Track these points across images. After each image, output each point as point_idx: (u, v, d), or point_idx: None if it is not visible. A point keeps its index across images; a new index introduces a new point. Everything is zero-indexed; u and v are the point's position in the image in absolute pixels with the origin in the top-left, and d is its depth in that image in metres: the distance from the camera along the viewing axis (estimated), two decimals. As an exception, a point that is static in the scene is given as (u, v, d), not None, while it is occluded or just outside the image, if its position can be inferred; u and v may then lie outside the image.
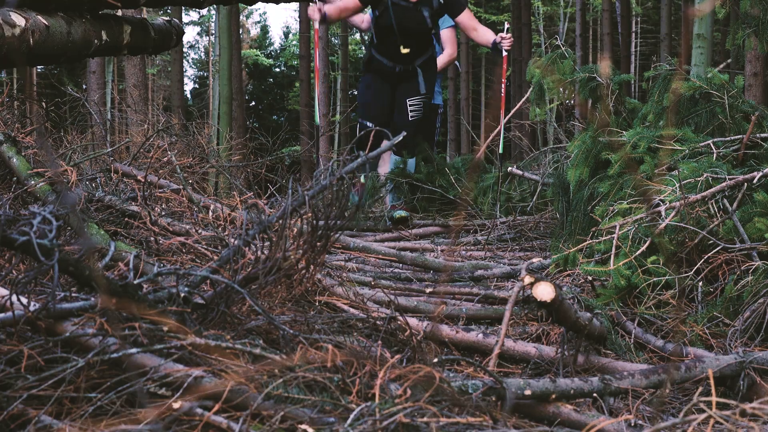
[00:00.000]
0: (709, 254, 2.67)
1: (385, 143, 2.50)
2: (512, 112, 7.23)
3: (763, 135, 3.44)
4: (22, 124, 4.68)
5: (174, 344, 1.46)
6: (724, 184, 2.84)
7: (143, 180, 3.22)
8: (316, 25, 5.02)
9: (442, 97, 6.25)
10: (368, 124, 5.10)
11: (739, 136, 3.46)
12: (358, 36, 26.46)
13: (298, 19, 18.31)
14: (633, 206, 2.99)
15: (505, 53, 5.08)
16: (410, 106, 5.00)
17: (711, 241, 2.71)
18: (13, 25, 2.84)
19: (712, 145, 3.38)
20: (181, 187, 3.48)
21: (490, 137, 6.57)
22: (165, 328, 1.51)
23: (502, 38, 4.96)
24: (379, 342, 1.73)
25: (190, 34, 41.40)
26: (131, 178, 3.64)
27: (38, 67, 18.11)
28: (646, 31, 30.76)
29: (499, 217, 5.09)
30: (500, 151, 5.25)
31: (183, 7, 17.00)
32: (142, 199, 3.04)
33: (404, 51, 4.88)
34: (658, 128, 3.67)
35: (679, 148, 3.38)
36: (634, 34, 28.72)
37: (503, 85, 5.36)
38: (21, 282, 1.52)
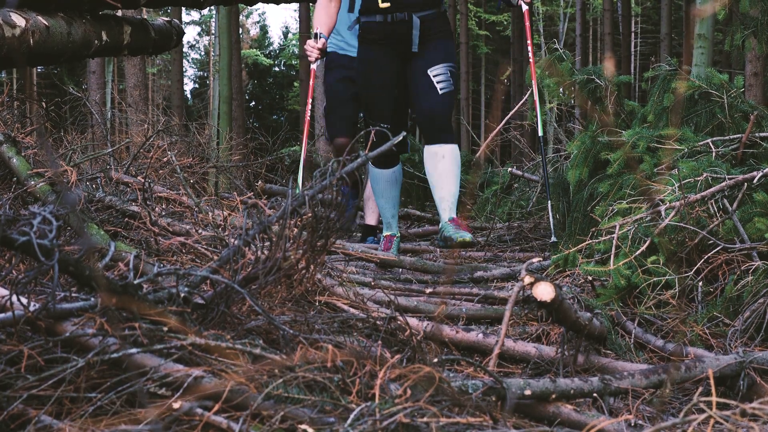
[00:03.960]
0: (709, 254, 2.67)
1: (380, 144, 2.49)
2: (512, 112, 7.23)
3: (762, 134, 3.44)
4: (22, 124, 4.68)
5: (174, 344, 1.46)
6: (723, 183, 2.84)
7: (143, 181, 3.22)
8: (314, 65, 4.00)
9: None
10: (382, 125, 3.74)
11: (738, 135, 3.47)
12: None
13: (298, 19, 18.31)
14: (633, 206, 2.99)
15: (525, 7, 3.91)
16: (435, 77, 3.65)
17: (711, 241, 2.71)
18: (14, 26, 2.84)
19: (711, 144, 3.38)
20: (180, 187, 3.49)
21: (490, 137, 6.56)
22: (165, 328, 1.51)
23: None
24: (379, 342, 1.73)
25: (191, 34, 41.43)
26: (130, 181, 3.64)
27: (38, 67, 18.13)
28: (645, 31, 30.77)
29: (499, 222, 5.08)
30: (540, 133, 4.10)
31: (183, 7, 17.01)
32: (142, 200, 3.05)
33: (383, 5, 3.66)
34: (658, 128, 3.67)
35: (677, 147, 3.38)
36: (633, 34, 28.72)
37: (530, 48, 4.17)
38: (21, 282, 1.52)
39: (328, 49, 4.68)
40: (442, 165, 3.57)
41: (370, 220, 4.80)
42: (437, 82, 3.65)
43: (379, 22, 3.71)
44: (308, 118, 4.23)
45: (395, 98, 3.77)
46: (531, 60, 4.18)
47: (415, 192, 6.19)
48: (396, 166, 3.88)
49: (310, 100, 4.25)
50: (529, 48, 4.21)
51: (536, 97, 4.07)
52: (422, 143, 3.75)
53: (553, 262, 3.19)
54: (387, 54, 3.73)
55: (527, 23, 4.15)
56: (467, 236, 3.34)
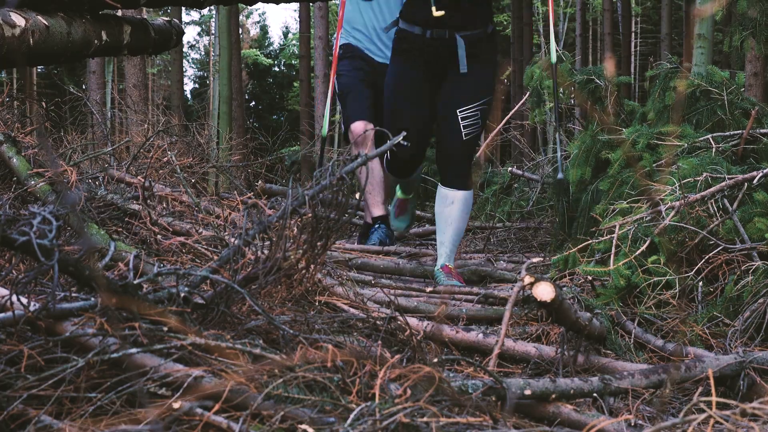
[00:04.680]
0: (710, 254, 2.68)
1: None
2: (512, 112, 7.23)
3: (762, 131, 3.44)
4: (22, 124, 4.68)
5: (174, 344, 1.46)
6: (723, 183, 2.84)
7: (143, 180, 3.23)
8: None
9: None
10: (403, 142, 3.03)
11: (738, 132, 3.47)
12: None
13: (298, 19, 18.32)
14: (633, 206, 2.99)
15: None
16: (464, 120, 3.33)
17: (711, 242, 2.72)
18: (13, 25, 2.84)
19: (711, 140, 3.38)
20: (180, 187, 3.49)
21: (490, 137, 6.56)
22: (165, 328, 1.51)
23: None
24: (379, 342, 1.73)
25: (191, 34, 41.45)
26: (131, 182, 3.65)
27: (38, 67, 18.15)
28: (645, 31, 30.76)
29: (500, 222, 5.07)
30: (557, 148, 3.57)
31: (183, 7, 17.03)
32: (143, 199, 3.05)
33: (437, 14, 3.23)
34: (659, 126, 3.68)
35: (677, 144, 3.38)
36: (633, 34, 28.71)
37: (551, 16, 3.71)
38: (21, 282, 1.52)
39: (344, 41, 4.43)
40: (449, 210, 3.39)
41: (373, 213, 4.54)
42: (464, 126, 3.33)
43: (417, 35, 3.31)
44: (333, 86, 4.03)
45: (422, 119, 3.40)
46: (553, 66, 3.59)
47: (415, 191, 6.16)
48: (413, 174, 3.60)
49: (335, 65, 4.01)
50: (552, 37, 3.55)
51: (555, 102, 3.58)
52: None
53: (554, 263, 3.19)
54: (420, 70, 3.35)
55: (551, 16, 3.69)
56: (454, 284, 3.20)
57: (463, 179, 3.40)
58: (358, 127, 4.34)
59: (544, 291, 1.95)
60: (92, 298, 1.56)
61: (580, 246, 2.97)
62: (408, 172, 3.60)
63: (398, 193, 3.86)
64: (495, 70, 3.44)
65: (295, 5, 20.65)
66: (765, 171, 2.82)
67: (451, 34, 3.26)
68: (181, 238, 2.72)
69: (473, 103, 3.33)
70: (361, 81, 4.42)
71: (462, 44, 3.26)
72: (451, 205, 3.40)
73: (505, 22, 28.72)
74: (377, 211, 4.42)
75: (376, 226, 4.43)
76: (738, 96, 3.75)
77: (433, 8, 3.22)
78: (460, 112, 3.32)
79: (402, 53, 3.38)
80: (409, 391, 1.42)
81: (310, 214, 2.03)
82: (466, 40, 3.27)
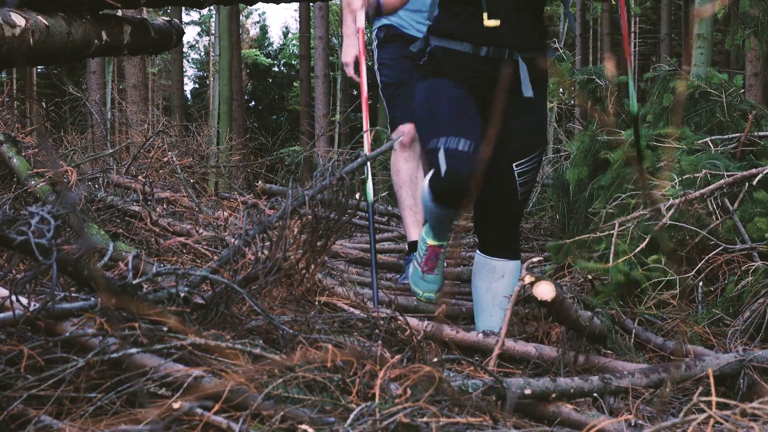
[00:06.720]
0: (710, 254, 2.68)
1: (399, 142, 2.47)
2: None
3: (761, 133, 3.45)
4: (22, 124, 4.68)
5: (174, 344, 1.46)
6: (723, 181, 2.84)
7: (143, 181, 3.23)
8: (360, 22, 2.80)
9: None
10: (460, 145, 2.43)
11: (737, 135, 3.47)
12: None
13: (298, 20, 18.33)
14: (633, 202, 2.99)
15: None
16: (520, 176, 2.58)
17: (712, 242, 2.72)
18: (13, 25, 2.84)
19: (710, 142, 3.39)
20: (181, 187, 3.49)
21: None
22: (165, 328, 1.51)
23: None
24: (380, 342, 1.73)
25: (191, 34, 41.44)
26: (131, 183, 3.64)
27: (38, 67, 18.15)
28: (645, 31, 30.76)
29: None
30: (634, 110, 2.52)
31: (183, 7, 17.03)
32: (143, 200, 3.05)
33: (489, 23, 2.45)
34: (658, 128, 3.68)
35: (677, 146, 3.39)
36: (633, 35, 28.71)
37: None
38: (21, 282, 1.52)
39: (382, 23, 3.60)
40: (497, 286, 2.63)
41: (413, 235, 3.54)
42: (520, 184, 2.57)
43: (467, 55, 2.52)
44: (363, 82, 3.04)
45: (475, 126, 2.53)
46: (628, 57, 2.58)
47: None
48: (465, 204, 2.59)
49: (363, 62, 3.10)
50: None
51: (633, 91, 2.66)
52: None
53: (549, 249, 3.19)
54: (468, 90, 2.56)
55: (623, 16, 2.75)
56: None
57: (513, 246, 2.69)
58: (409, 128, 3.49)
59: (545, 290, 1.95)
60: (92, 298, 1.56)
61: (577, 239, 2.96)
62: (463, 195, 2.53)
63: (428, 238, 2.79)
64: (545, 101, 2.73)
65: (295, 5, 20.66)
66: (765, 170, 2.82)
67: (511, 55, 2.51)
68: (181, 239, 2.72)
69: (532, 153, 2.60)
70: (408, 75, 3.39)
71: (524, 67, 2.52)
72: (500, 279, 2.65)
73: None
74: (417, 233, 3.52)
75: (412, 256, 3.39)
76: (737, 98, 3.75)
77: (485, 15, 2.47)
78: (516, 166, 2.58)
79: (441, 73, 2.58)
80: (409, 391, 1.42)
81: (310, 215, 2.03)
82: (529, 63, 2.53)
